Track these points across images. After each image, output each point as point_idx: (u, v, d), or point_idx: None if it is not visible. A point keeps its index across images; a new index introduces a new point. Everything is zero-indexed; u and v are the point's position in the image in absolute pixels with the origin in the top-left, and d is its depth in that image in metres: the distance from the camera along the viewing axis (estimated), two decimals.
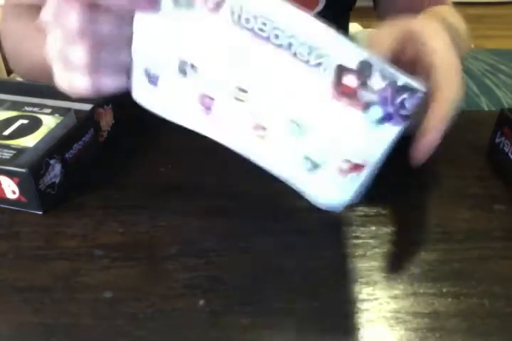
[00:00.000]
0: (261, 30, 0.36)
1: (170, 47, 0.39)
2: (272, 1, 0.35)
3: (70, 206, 0.48)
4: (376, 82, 0.34)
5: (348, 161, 0.38)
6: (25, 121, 0.49)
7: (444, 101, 0.38)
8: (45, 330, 0.37)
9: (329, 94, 0.36)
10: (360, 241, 0.45)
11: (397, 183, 0.51)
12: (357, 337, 0.37)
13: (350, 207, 0.49)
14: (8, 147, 0.46)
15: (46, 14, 0.38)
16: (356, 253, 0.44)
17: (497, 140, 0.54)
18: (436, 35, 0.41)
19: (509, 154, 0.52)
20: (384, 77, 0.34)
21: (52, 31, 0.39)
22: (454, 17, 0.58)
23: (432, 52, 0.39)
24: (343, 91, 0.35)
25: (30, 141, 0.47)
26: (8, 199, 0.46)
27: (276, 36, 0.36)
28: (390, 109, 0.35)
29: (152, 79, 0.41)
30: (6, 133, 0.48)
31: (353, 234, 0.46)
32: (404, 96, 0.34)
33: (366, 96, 0.35)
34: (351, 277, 0.41)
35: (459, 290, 0.41)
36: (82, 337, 0.37)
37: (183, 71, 0.40)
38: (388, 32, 0.42)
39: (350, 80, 0.35)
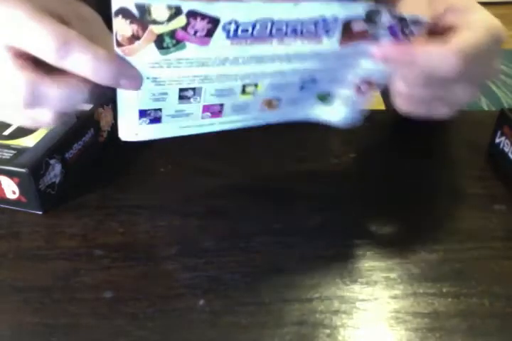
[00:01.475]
0: (261, 31, 0.36)
1: (167, 85, 0.38)
2: (264, 4, 0.35)
3: (70, 206, 0.48)
4: (385, 21, 0.38)
5: (366, 81, 0.44)
6: None
7: (445, 49, 0.38)
8: (45, 330, 0.37)
9: (338, 43, 0.39)
10: (360, 241, 0.45)
11: (396, 183, 0.51)
12: (357, 337, 0.37)
13: (350, 206, 0.49)
14: (8, 147, 0.46)
15: None
16: (356, 254, 0.44)
17: (497, 140, 0.54)
18: (481, 11, 0.42)
19: (509, 154, 0.52)
20: (392, 16, 0.38)
21: None
22: None
23: (472, 21, 0.40)
24: (352, 36, 0.39)
25: (30, 141, 0.47)
26: (8, 199, 0.46)
27: (279, 29, 0.37)
28: (400, 37, 0.39)
29: (153, 119, 0.40)
30: (6, 133, 0.48)
31: (353, 234, 0.46)
32: (412, 27, 0.39)
33: (377, 32, 0.39)
34: (351, 277, 0.41)
35: (459, 290, 0.41)
36: (82, 337, 0.37)
37: (184, 98, 0.40)
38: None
39: (360, 27, 0.39)
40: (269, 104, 0.44)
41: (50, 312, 0.38)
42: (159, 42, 0.34)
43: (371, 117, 0.61)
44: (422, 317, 0.38)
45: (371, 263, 0.43)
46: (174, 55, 0.36)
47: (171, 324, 0.38)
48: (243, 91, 0.41)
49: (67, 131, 0.49)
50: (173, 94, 0.39)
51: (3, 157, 0.45)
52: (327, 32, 0.38)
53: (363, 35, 0.39)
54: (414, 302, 0.39)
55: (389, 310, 0.39)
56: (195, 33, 0.35)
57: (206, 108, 0.41)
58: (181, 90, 0.39)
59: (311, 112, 0.47)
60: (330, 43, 0.39)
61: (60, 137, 0.48)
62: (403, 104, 0.42)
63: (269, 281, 0.41)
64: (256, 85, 0.41)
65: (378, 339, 0.37)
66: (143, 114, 0.39)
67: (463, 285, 0.41)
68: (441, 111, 0.43)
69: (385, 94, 0.91)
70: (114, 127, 0.55)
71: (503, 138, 0.53)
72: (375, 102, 0.81)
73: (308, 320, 0.38)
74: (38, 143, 0.47)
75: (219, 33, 0.35)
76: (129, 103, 0.38)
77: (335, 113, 0.47)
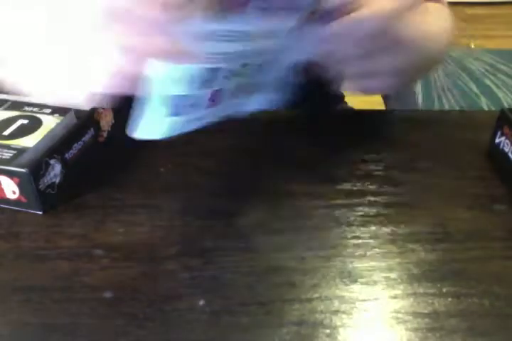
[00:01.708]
0: (279, 8, 0.37)
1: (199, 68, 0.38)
2: None
3: (70, 206, 0.48)
4: None
5: (305, 65, 0.46)
6: (25, 121, 0.49)
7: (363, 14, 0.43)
8: (45, 330, 0.37)
9: (301, 21, 0.41)
10: (360, 241, 0.45)
11: (396, 183, 0.51)
12: (357, 337, 0.37)
13: (350, 206, 0.49)
14: (8, 147, 0.46)
15: None
16: (356, 253, 0.44)
17: (497, 140, 0.54)
18: None
19: (509, 154, 0.52)
20: None
21: None
22: (439, 15, 0.58)
23: None
24: (309, 16, 0.41)
25: (30, 140, 0.47)
26: (8, 199, 0.46)
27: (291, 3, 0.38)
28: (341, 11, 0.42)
29: (175, 111, 0.39)
30: (6, 133, 0.48)
31: (353, 234, 0.46)
32: None
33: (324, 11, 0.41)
34: (351, 277, 0.41)
35: (459, 290, 0.41)
36: (82, 337, 0.37)
37: (204, 81, 0.39)
38: None
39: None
40: (253, 88, 0.46)
41: (50, 312, 0.38)
42: (206, 11, 0.33)
43: (371, 117, 0.62)
44: (422, 317, 0.38)
45: (371, 263, 0.43)
46: (215, 27, 0.34)
47: (171, 324, 0.38)
48: (240, 72, 0.42)
49: (67, 131, 0.49)
50: (198, 74, 0.38)
51: (3, 157, 0.45)
52: (299, 9, 0.39)
53: (315, 14, 0.41)
54: (414, 302, 0.39)
55: (389, 310, 0.39)
56: (233, 3, 0.34)
57: (212, 93, 0.41)
58: (203, 72, 0.38)
59: (258, 100, 0.48)
60: (297, 21, 0.40)
61: (60, 137, 0.48)
62: (351, 83, 0.49)
63: (269, 281, 0.41)
64: (247, 65, 0.42)
65: (378, 339, 0.37)
66: (173, 102, 0.38)
67: (463, 285, 0.41)
68: (378, 85, 0.51)
69: (385, 94, 0.91)
70: (114, 127, 0.55)
71: (503, 138, 0.53)
72: (375, 102, 0.81)
73: (308, 320, 0.38)
74: (38, 143, 0.47)
75: (250, 6, 0.35)
76: (156, 93, 0.37)
77: (271, 98, 0.49)
